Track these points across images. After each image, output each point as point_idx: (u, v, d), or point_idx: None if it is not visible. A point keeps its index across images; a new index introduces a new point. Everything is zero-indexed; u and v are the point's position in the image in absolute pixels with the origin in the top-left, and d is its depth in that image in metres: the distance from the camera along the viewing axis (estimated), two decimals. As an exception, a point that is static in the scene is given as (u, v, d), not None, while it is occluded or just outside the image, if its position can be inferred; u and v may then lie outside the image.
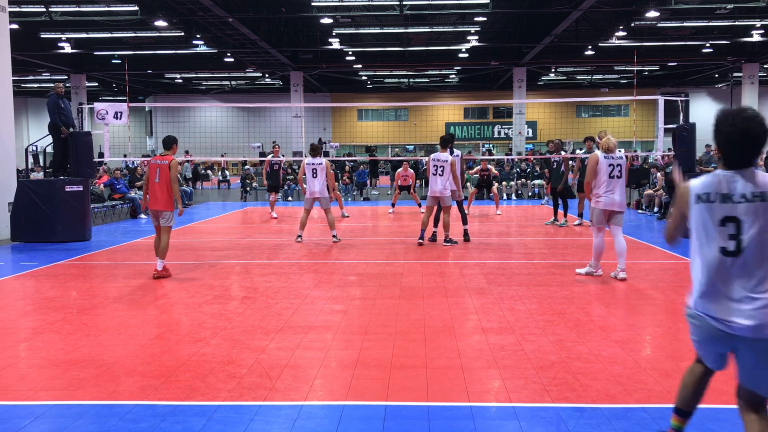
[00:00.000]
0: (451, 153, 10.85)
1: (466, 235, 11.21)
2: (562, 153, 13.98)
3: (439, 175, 10.53)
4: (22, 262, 9.59)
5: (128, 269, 8.94)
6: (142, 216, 15.91)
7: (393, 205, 17.33)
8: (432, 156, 10.76)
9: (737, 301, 2.83)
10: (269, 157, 15.02)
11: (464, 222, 11.30)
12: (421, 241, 10.79)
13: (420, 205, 17.15)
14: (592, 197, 7.97)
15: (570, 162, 13.28)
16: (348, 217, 15.45)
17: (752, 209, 2.82)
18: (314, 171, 11.27)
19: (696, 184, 2.98)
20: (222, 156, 34.25)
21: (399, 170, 17.66)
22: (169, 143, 8.36)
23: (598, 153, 7.97)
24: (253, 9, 23.54)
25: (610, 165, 7.84)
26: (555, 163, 13.68)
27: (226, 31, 25.46)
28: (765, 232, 2.80)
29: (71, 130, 12.15)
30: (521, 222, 14.58)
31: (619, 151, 8.15)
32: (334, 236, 11.27)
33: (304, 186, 11.52)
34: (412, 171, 17.60)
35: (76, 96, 32.45)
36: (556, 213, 13.73)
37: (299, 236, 11.38)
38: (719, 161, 3.02)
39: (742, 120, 2.84)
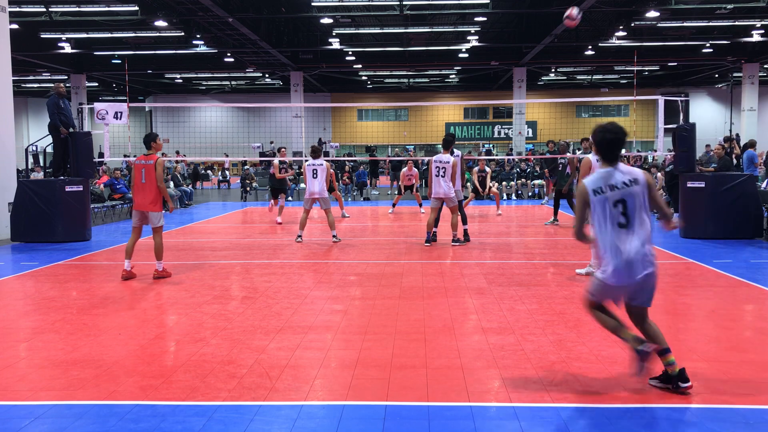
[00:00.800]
0: (452, 153, 10.87)
1: (466, 235, 11.23)
2: (568, 154, 14.01)
3: (441, 176, 10.59)
4: (22, 262, 9.59)
5: (128, 269, 8.93)
6: None
7: (393, 206, 17.33)
8: (434, 157, 10.78)
9: (633, 257, 3.99)
10: (276, 161, 14.75)
11: (464, 222, 11.32)
12: (428, 243, 10.83)
13: (421, 205, 17.15)
14: None
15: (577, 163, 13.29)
16: (348, 217, 15.45)
17: (630, 192, 4.01)
18: (314, 172, 11.32)
19: (589, 183, 4.11)
20: (226, 156, 34.26)
21: (404, 170, 17.64)
22: (149, 141, 8.17)
23: (591, 157, 7.95)
24: (253, 9, 23.53)
25: None
26: (561, 165, 13.73)
27: (226, 31, 25.45)
28: (641, 207, 4.01)
29: (71, 130, 12.14)
30: (521, 222, 14.58)
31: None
32: (334, 236, 11.29)
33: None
34: (416, 170, 17.60)
35: (76, 96, 32.45)
36: (556, 213, 13.77)
37: (299, 236, 11.40)
38: (601, 160, 4.21)
39: (609, 129, 4.13)
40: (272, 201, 15.75)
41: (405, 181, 17.44)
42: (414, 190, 17.43)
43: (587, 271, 8.07)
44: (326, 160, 11.74)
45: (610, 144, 4.12)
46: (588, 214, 4.18)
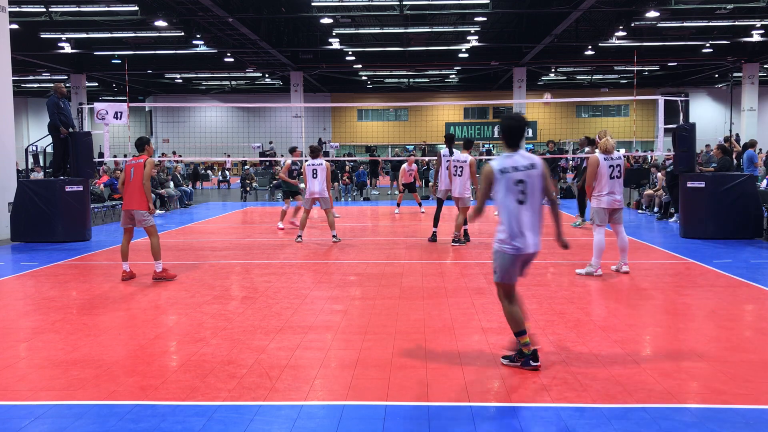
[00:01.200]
0: (451, 153, 10.91)
1: (466, 235, 11.24)
2: (587, 149, 13.94)
3: (458, 175, 10.71)
4: (22, 262, 9.59)
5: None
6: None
7: (398, 205, 17.29)
8: (452, 157, 10.90)
9: (529, 231, 4.62)
10: (289, 161, 13.81)
11: (465, 222, 11.33)
12: (456, 243, 10.83)
13: (420, 205, 17.14)
14: (593, 197, 8.02)
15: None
16: (338, 217, 15.37)
17: (529, 174, 4.59)
18: (314, 171, 11.35)
19: (496, 165, 4.63)
20: (228, 156, 34.27)
21: (404, 166, 17.55)
22: (141, 144, 8.16)
23: (598, 154, 8.01)
24: (253, 9, 23.53)
25: (610, 166, 7.93)
26: (580, 160, 13.62)
27: (226, 31, 25.45)
28: (537, 189, 4.63)
29: (70, 130, 12.14)
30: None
31: (618, 151, 8.19)
32: (334, 236, 11.30)
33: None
34: (416, 166, 17.51)
35: (76, 96, 32.45)
36: (583, 212, 13.55)
37: (299, 236, 11.42)
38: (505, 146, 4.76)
39: (513, 118, 4.66)
40: (285, 203, 15.28)
41: (405, 177, 17.36)
42: (413, 189, 17.42)
43: (587, 272, 8.07)
44: (326, 160, 11.74)
45: (513, 131, 4.67)
46: (491, 193, 4.71)
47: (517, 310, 4.70)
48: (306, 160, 11.86)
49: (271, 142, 37.19)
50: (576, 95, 41.34)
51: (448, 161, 10.97)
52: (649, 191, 16.29)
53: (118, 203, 15.91)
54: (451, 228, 11.24)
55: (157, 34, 26.50)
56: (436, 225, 11.29)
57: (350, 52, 31.04)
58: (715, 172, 12.03)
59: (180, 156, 32.26)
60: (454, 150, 11.06)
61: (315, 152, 11.68)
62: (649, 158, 25.78)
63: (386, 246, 10.88)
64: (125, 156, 21.05)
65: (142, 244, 11.44)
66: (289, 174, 13.71)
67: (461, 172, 10.72)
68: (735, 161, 16.35)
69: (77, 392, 4.25)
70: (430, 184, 15.61)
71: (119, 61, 31.32)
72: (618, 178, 7.95)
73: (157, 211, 16.86)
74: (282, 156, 31.17)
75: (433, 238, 11.20)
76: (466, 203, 10.72)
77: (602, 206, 7.94)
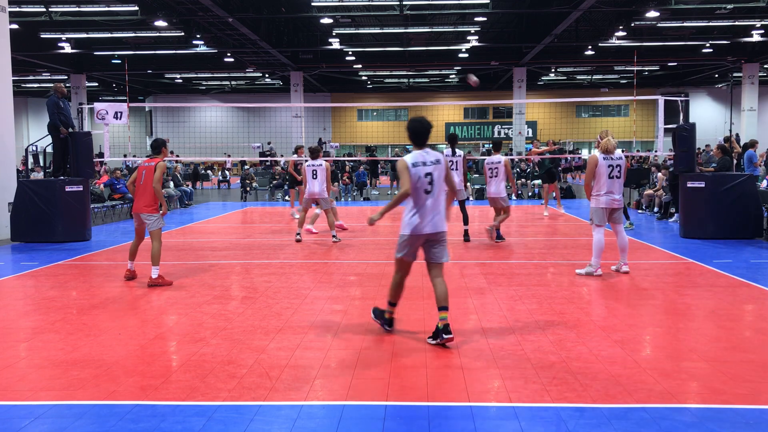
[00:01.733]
0: (454, 153, 10.94)
1: (466, 236, 11.26)
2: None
3: (494, 176, 11.06)
4: (22, 262, 9.59)
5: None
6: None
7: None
8: (486, 159, 11.22)
9: (431, 216, 5.28)
10: (294, 158, 14.64)
11: (465, 222, 11.34)
12: (499, 240, 11.11)
13: None
14: (592, 197, 8.03)
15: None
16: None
17: (436, 168, 5.31)
18: (314, 172, 11.38)
19: (409, 159, 5.30)
20: (228, 156, 34.25)
21: None
22: (158, 146, 8.10)
23: (597, 154, 8.02)
24: (253, 9, 23.54)
25: (609, 166, 7.93)
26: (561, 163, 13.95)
27: (226, 31, 25.46)
28: (441, 181, 5.36)
29: (70, 130, 12.14)
30: (521, 222, 14.58)
31: (619, 151, 8.19)
32: (333, 236, 11.31)
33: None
34: None
35: (76, 96, 32.46)
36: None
37: (298, 234, 11.45)
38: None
39: (420, 121, 5.35)
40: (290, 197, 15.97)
41: None
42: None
43: (587, 272, 8.07)
44: (325, 160, 11.75)
45: (419, 132, 5.37)
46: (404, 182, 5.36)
47: (400, 284, 5.55)
48: (306, 161, 11.89)
49: (270, 143, 37.17)
50: (576, 95, 41.35)
51: (451, 161, 11.00)
52: (649, 191, 16.29)
53: (118, 203, 15.92)
54: (456, 228, 11.24)
55: (157, 34, 26.51)
56: (467, 222, 11.36)
57: (350, 52, 31.05)
58: (715, 172, 12.04)
59: (178, 156, 32.27)
60: (456, 150, 11.09)
61: (315, 153, 11.71)
62: (651, 158, 25.80)
63: (386, 246, 10.87)
64: (125, 156, 21.05)
65: (143, 243, 11.44)
66: (295, 168, 14.48)
67: (497, 173, 11.02)
68: (735, 162, 16.36)
69: (77, 392, 4.25)
70: None
71: (119, 61, 31.33)
72: (618, 178, 7.95)
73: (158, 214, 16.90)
74: (282, 156, 31.18)
75: (466, 238, 11.25)
76: (505, 203, 11.06)
77: (600, 206, 7.95)
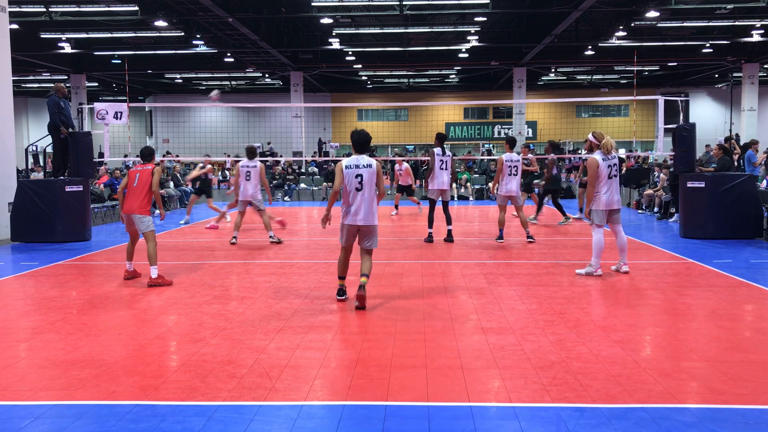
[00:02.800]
0: (443, 153, 10.93)
1: (449, 236, 11.16)
2: (551, 155, 14.38)
3: (514, 174, 11.08)
4: (22, 262, 9.59)
5: (128, 269, 8.93)
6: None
7: (396, 207, 17.19)
8: (504, 156, 11.15)
9: (361, 210, 6.53)
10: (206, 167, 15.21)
11: (448, 222, 11.24)
12: (501, 240, 11.21)
13: (419, 204, 17.11)
14: (594, 197, 8.04)
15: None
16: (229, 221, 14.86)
17: (367, 171, 6.57)
18: (248, 174, 11.08)
19: (345, 162, 6.58)
20: (227, 156, 34.23)
21: (395, 167, 17.47)
22: (149, 154, 8.15)
23: (597, 156, 8.01)
24: (253, 9, 23.53)
25: (608, 166, 7.99)
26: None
27: (226, 31, 25.45)
28: (372, 181, 6.59)
29: (70, 130, 12.14)
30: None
31: (615, 150, 8.24)
32: (271, 237, 11.20)
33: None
34: (407, 165, 17.25)
35: (76, 96, 32.45)
36: (563, 211, 14.15)
37: (234, 238, 11.23)
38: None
39: (361, 133, 6.67)
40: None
41: (401, 179, 17.26)
42: (408, 191, 17.15)
43: (587, 272, 8.07)
44: (325, 160, 11.73)
45: (359, 143, 6.66)
46: (339, 182, 6.58)
47: (344, 263, 6.82)
48: (239, 161, 11.49)
49: (269, 143, 37.17)
50: (576, 95, 41.33)
51: (441, 160, 10.97)
52: (649, 191, 16.29)
53: (117, 203, 15.89)
54: (436, 227, 11.24)
55: (157, 34, 26.49)
56: (431, 226, 11.27)
57: (350, 52, 31.04)
58: (715, 172, 12.04)
59: (177, 156, 32.24)
60: (444, 149, 11.04)
61: (251, 153, 11.28)
62: (652, 158, 25.80)
63: (386, 246, 10.87)
64: (125, 156, 21.03)
65: (143, 243, 11.44)
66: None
67: (516, 170, 11.04)
68: (735, 163, 16.36)
69: (77, 392, 4.25)
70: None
71: (119, 61, 31.32)
72: (616, 178, 8.03)
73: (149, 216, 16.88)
74: (282, 156, 31.16)
75: (430, 239, 11.19)
76: (520, 201, 11.22)
77: (601, 207, 7.99)
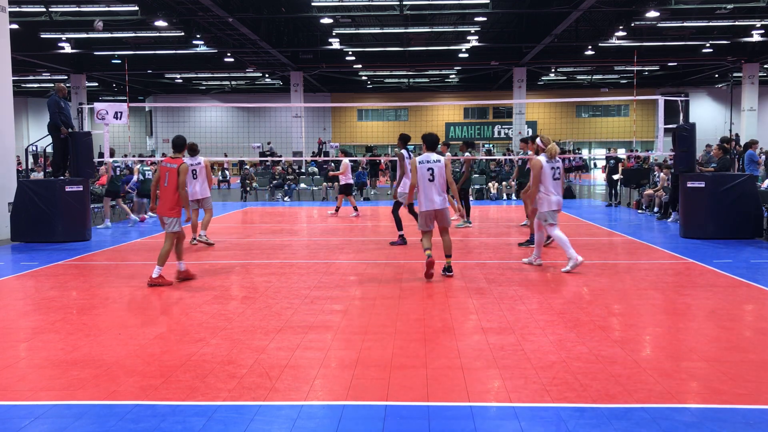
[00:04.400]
0: (409, 156, 10.42)
1: (402, 238, 10.84)
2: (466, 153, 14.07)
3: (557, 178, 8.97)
4: (22, 262, 9.59)
5: (128, 269, 8.94)
6: (144, 216, 15.87)
7: (355, 209, 16.16)
8: (544, 161, 9.20)
9: (434, 197, 7.87)
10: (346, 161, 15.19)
11: (399, 227, 10.95)
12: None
13: (356, 209, 16.08)
14: (542, 200, 8.44)
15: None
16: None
17: (436, 164, 7.91)
18: (194, 172, 10.77)
19: (419, 158, 7.96)
20: (225, 155, 34.25)
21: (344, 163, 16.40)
22: (180, 144, 8.11)
23: (542, 158, 8.45)
24: (253, 9, 23.54)
25: (552, 168, 8.49)
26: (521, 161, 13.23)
27: (226, 31, 25.46)
28: (442, 174, 7.92)
29: (70, 130, 12.14)
30: (521, 222, 14.57)
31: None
32: (199, 236, 10.88)
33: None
34: (346, 161, 16.36)
35: (76, 96, 32.46)
36: (469, 212, 13.61)
37: (194, 239, 10.98)
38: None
39: (433, 135, 8.07)
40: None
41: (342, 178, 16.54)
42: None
43: (572, 266, 8.25)
44: (326, 160, 11.70)
45: (432, 142, 8.03)
46: (415, 176, 7.88)
47: (428, 241, 8.02)
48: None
49: (269, 143, 37.17)
50: (576, 95, 41.35)
51: (431, 169, 10.42)
52: (649, 191, 16.29)
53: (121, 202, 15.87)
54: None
55: (157, 34, 26.51)
56: (399, 229, 10.86)
57: (350, 52, 31.05)
58: (715, 172, 12.04)
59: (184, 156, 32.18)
60: (408, 150, 10.57)
61: (193, 150, 10.80)
62: (652, 158, 25.81)
63: (386, 246, 10.87)
64: (125, 156, 21.03)
65: (143, 243, 11.45)
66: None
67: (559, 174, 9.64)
68: (738, 163, 16.35)
69: (77, 392, 4.25)
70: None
71: (119, 61, 31.34)
72: (559, 180, 8.52)
73: (153, 214, 16.85)
74: (281, 156, 31.15)
75: (403, 241, 10.79)
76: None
77: (553, 208, 8.41)
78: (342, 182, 16.40)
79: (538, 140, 8.77)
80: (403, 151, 10.68)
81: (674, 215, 13.75)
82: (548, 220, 8.47)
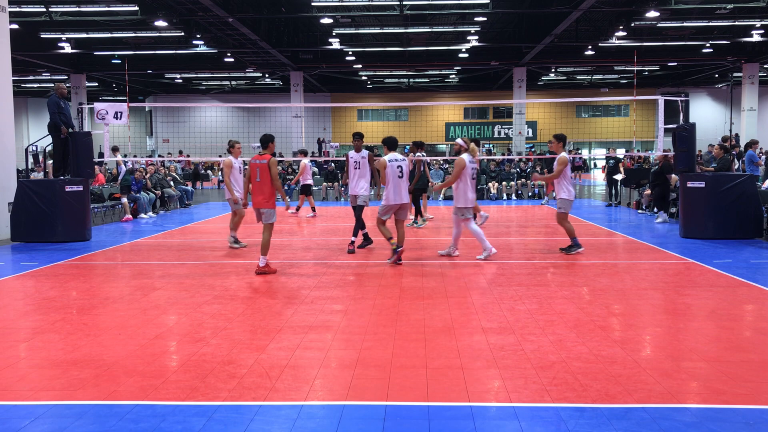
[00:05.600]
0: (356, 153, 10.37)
1: (358, 240, 10.64)
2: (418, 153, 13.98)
3: (474, 178, 9.60)
4: (22, 262, 9.59)
5: (128, 269, 8.94)
6: (143, 216, 15.88)
7: (313, 209, 16.18)
8: (567, 157, 9.83)
9: (402, 191, 9.02)
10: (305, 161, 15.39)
11: (361, 227, 10.65)
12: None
13: (314, 210, 16.12)
14: (460, 197, 9.09)
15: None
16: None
17: (403, 162, 9.13)
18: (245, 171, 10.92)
19: (388, 158, 9.08)
20: (220, 156, 34.18)
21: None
22: (266, 141, 8.65)
23: (466, 157, 9.10)
24: (253, 9, 23.54)
25: (472, 168, 9.18)
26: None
27: (226, 31, 25.46)
28: (407, 171, 9.20)
29: (70, 130, 12.14)
30: (521, 222, 14.58)
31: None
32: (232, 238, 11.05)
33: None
34: (305, 162, 16.29)
35: (76, 96, 32.44)
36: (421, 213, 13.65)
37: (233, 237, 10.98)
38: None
39: (393, 138, 9.48)
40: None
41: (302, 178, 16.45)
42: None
43: (485, 256, 9.07)
44: (327, 160, 11.71)
45: (393, 143, 9.13)
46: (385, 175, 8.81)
47: (389, 229, 8.98)
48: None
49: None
50: (576, 95, 41.35)
51: (356, 162, 10.30)
52: (648, 191, 16.29)
53: (118, 203, 15.90)
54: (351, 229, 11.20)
55: (157, 34, 26.50)
56: (361, 230, 10.57)
57: (350, 52, 31.04)
58: (715, 171, 12.03)
59: (188, 155, 32.26)
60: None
61: (115, 150, 10.83)
62: (652, 158, 25.79)
63: (386, 246, 10.86)
64: (124, 156, 21.03)
65: (143, 243, 11.45)
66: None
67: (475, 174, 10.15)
68: (738, 163, 16.34)
69: (77, 392, 4.25)
70: (431, 183, 14.78)
71: (119, 61, 31.32)
72: (474, 180, 9.23)
73: (152, 214, 16.86)
74: (281, 155, 31.14)
75: (368, 241, 10.57)
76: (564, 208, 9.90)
77: (469, 204, 9.12)
78: (302, 182, 16.50)
79: (459, 140, 9.46)
80: (351, 152, 10.49)
81: (662, 215, 13.85)
82: (465, 215, 9.20)
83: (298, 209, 16.63)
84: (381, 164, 9.12)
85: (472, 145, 9.42)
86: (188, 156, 29.72)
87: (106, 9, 22.75)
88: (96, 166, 15.39)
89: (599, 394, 4.14)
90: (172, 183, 19.85)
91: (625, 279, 7.86)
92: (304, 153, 17.89)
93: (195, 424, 3.74)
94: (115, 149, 14.55)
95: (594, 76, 39.97)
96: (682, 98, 12.43)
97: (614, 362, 4.73)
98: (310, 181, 16.48)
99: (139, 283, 7.90)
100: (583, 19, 25.36)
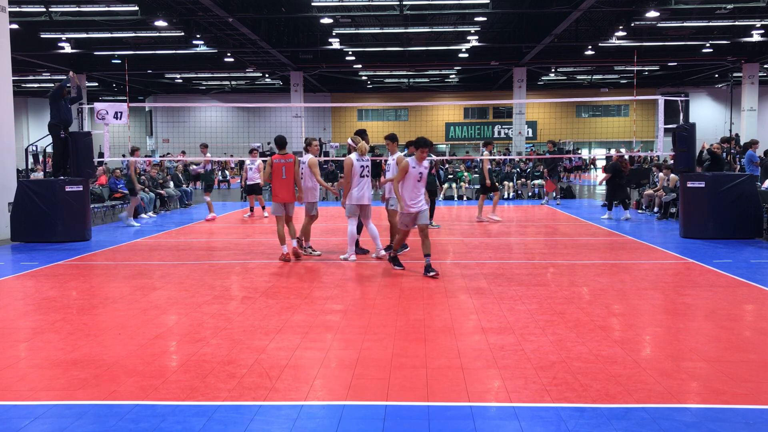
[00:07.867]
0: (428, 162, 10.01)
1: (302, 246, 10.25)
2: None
3: (364, 176, 9.42)
4: (22, 262, 9.59)
5: (128, 269, 8.94)
6: (143, 216, 15.87)
7: (251, 210, 16.28)
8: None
9: (420, 199, 8.20)
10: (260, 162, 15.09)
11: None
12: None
13: (264, 208, 16.06)
14: (348, 194, 9.20)
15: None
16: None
17: (423, 169, 8.21)
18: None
19: (409, 160, 8.06)
20: (230, 156, 34.23)
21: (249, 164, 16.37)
22: (283, 143, 9.45)
23: (353, 156, 9.16)
24: (253, 9, 23.54)
25: (361, 166, 9.17)
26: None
27: (226, 31, 25.46)
28: (425, 177, 8.27)
29: (70, 130, 12.13)
30: (521, 222, 14.58)
31: (369, 155, 9.55)
32: (306, 248, 10.74)
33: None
34: (260, 161, 16.17)
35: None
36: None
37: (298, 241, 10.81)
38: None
39: (425, 139, 8.27)
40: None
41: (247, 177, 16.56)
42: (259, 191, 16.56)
43: (344, 257, 9.25)
44: (326, 160, 11.71)
45: (424, 144, 8.12)
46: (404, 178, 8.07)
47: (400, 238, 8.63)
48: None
49: (270, 143, 37.15)
50: (576, 95, 41.34)
51: (362, 167, 9.46)
52: (649, 191, 16.29)
53: (118, 203, 15.90)
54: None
55: (157, 34, 26.50)
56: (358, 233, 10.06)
57: (350, 52, 31.04)
58: (709, 169, 12.03)
59: (186, 156, 32.19)
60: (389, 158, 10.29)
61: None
62: (650, 158, 25.81)
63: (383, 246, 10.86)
64: (123, 156, 21.00)
65: (143, 243, 11.45)
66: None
67: (367, 171, 9.56)
68: (738, 164, 16.32)
69: (77, 392, 4.25)
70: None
71: (119, 61, 31.32)
72: (366, 177, 9.25)
73: (152, 214, 16.84)
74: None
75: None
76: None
77: (353, 202, 9.21)
78: (252, 182, 16.41)
79: (349, 140, 9.55)
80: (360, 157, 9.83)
81: (628, 212, 14.31)
82: (347, 213, 9.34)
83: (252, 209, 16.51)
84: (404, 167, 8.16)
85: (361, 143, 9.23)
86: (209, 156, 29.56)
87: (106, 9, 22.75)
88: (99, 167, 15.40)
89: (599, 394, 4.14)
90: (172, 183, 19.86)
91: (625, 279, 7.86)
92: (257, 151, 17.81)
93: (195, 424, 3.74)
94: (134, 150, 14.61)
95: (594, 76, 39.96)
96: (682, 98, 12.43)
97: (614, 362, 4.73)
98: (259, 181, 16.29)
99: (139, 283, 7.90)
100: (583, 19, 25.35)
